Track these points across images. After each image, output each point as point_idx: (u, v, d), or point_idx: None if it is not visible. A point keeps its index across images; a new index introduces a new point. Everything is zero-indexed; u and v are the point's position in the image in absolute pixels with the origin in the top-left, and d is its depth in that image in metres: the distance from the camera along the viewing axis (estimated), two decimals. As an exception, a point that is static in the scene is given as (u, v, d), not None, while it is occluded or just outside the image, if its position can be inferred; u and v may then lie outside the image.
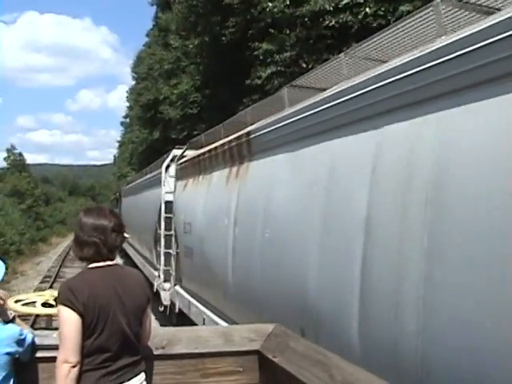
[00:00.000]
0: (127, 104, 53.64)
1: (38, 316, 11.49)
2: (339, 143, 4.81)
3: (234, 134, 8.33)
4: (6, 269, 3.33)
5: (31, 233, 43.87)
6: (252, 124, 7.71)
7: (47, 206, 71.98)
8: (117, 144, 75.63)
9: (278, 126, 6.35)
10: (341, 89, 4.93)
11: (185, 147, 12.57)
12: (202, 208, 9.27)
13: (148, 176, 18.24)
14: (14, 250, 32.41)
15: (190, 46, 23.31)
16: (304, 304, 4.97)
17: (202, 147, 10.68)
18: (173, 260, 12.55)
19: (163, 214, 12.95)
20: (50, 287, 19.79)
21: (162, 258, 13.24)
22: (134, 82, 46.97)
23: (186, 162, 11.79)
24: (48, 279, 22.84)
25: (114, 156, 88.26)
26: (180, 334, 3.49)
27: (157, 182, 14.38)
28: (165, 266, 13.20)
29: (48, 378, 3.09)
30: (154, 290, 13.44)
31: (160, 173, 13.62)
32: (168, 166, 13.18)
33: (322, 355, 2.95)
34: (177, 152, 13.09)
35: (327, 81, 6.07)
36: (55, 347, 2.99)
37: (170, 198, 12.65)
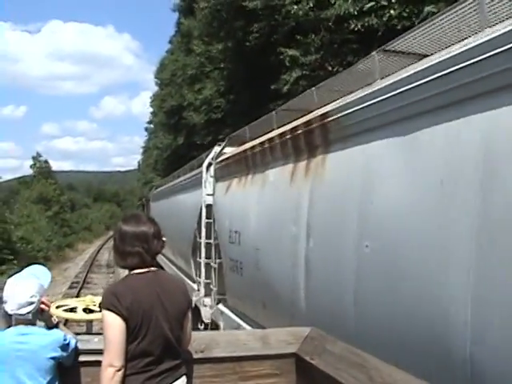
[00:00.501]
0: (151, 110, 53.96)
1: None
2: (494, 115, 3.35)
3: (292, 121, 6.91)
4: None
5: (58, 239, 44.39)
6: (322, 106, 6.24)
7: (73, 212, 72.64)
8: (141, 150, 76.03)
9: (374, 100, 4.68)
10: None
11: (223, 144, 11.28)
12: (255, 214, 7.71)
13: (184, 177, 16.52)
14: (42, 256, 32.81)
15: (214, 51, 23.40)
16: (447, 354, 3.41)
17: (244, 142, 9.42)
18: (214, 273, 11.07)
19: (204, 220, 11.53)
20: (78, 293, 20.02)
21: (203, 269, 11.74)
22: (157, 88, 47.30)
23: (226, 159, 10.26)
24: (76, 285, 23.09)
25: (138, 162, 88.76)
26: (218, 338, 3.56)
27: (196, 184, 12.96)
28: (205, 278, 11.68)
29: (91, 381, 3.18)
30: (193, 305, 12.02)
31: (200, 172, 12.15)
32: (210, 165, 11.71)
33: (360, 357, 2.98)
34: (218, 149, 11.61)
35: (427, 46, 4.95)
36: (97, 352, 3.08)
37: (211, 200, 11.44)
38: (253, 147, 8.30)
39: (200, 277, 11.98)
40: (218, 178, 10.77)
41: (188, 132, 29.32)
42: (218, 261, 10.54)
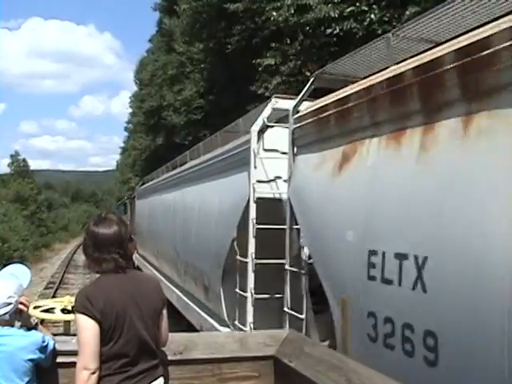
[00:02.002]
0: (130, 110, 53.72)
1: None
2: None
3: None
4: None
5: (34, 239, 43.98)
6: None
7: (50, 212, 72.02)
8: (120, 150, 75.66)
9: None
10: None
11: (303, 92, 6.30)
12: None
13: (203, 159, 11.07)
14: (18, 256, 32.43)
15: (195, 50, 23.39)
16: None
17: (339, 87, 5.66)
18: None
19: (253, 227, 7.14)
20: (54, 293, 19.85)
21: (250, 309, 7.18)
22: (136, 88, 47.10)
23: (321, 114, 5.60)
24: (52, 285, 22.88)
25: (117, 162, 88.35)
26: (197, 340, 3.56)
27: (230, 166, 8.50)
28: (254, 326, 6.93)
29: (68, 383, 3.17)
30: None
31: (245, 145, 7.62)
32: (262, 131, 7.33)
33: (339, 360, 3.00)
34: (280, 104, 7.24)
35: None
36: (75, 353, 3.04)
37: (265, 190, 7.32)
38: (395, 78, 4.36)
39: (245, 321, 7.03)
40: (300, 149, 6.18)
41: (167, 133, 29.25)
42: (310, 307, 6.19)
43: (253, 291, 7.15)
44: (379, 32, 12.88)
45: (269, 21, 16.15)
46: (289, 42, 16.02)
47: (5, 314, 2.98)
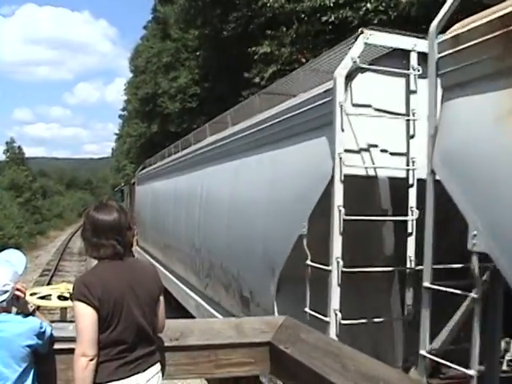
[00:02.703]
0: (125, 97, 53.55)
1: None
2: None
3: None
4: None
5: (29, 226, 43.95)
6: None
7: (45, 199, 71.92)
8: (115, 137, 75.53)
9: None
10: None
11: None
12: None
13: (240, 126, 8.35)
14: (13, 243, 32.36)
15: (190, 37, 23.34)
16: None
17: None
18: None
19: (339, 219, 4.96)
20: (49, 281, 19.86)
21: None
22: (131, 76, 46.97)
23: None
24: (47, 272, 22.86)
25: (113, 149, 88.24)
26: (193, 326, 3.57)
27: (304, 127, 5.85)
28: None
29: (65, 369, 3.16)
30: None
31: (323, 95, 5.42)
32: (350, 77, 5.14)
33: (334, 346, 3.04)
34: (376, 39, 5.20)
35: None
36: (71, 339, 3.06)
37: (356, 164, 5.13)
38: None
39: None
40: (458, 90, 3.79)
41: (162, 120, 29.25)
42: None
43: (339, 314, 4.84)
44: (375, 21, 12.90)
45: (265, 7, 16.12)
46: (284, 29, 16.02)
47: (2, 301, 2.98)
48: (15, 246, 31.58)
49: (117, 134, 70.88)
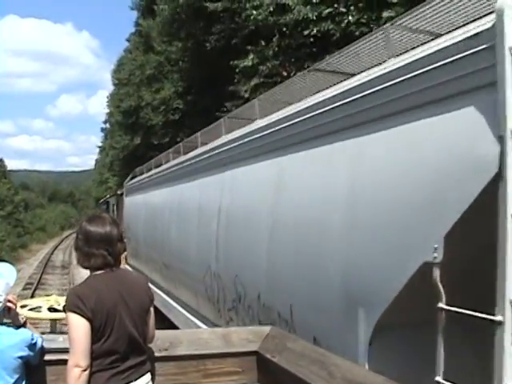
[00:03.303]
0: (107, 110, 53.49)
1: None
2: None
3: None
4: None
5: (11, 239, 43.71)
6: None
7: (27, 212, 71.51)
8: (97, 150, 75.42)
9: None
10: None
11: None
12: None
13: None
14: (-5, 256, 32.24)
15: (173, 49, 23.41)
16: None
17: None
18: None
19: None
20: (32, 294, 19.75)
21: None
22: (114, 88, 46.93)
23: None
24: (30, 286, 22.73)
25: (96, 160, 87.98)
26: (181, 337, 3.65)
27: (437, 92, 3.59)
28: None
29: (56, 380, 3.24)
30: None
31: (471, 40, 3.34)
32: None
33: (320, 354, 3.11)
34: None
35: None
36: (62, 350, 3.15)
37: None
38: None
39: None
40: None
41: (145, 132, 29.24)
42: None
43: None
44: (356, 34, 13.06)
45: (248, 19, 16.26)
46: (266, 43, 16.16)
47: None
48: (-3, 260, 31.39)
49: (99, 147, 70.83)
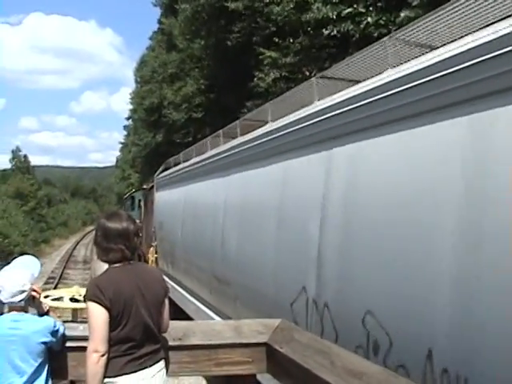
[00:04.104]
0: (130, 107, 53.94)
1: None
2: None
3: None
4: None
5: (34, 234, 44.35)
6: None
7: (49, 207, 72.33)
8: (119, 146, 75.99)
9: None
10: None
11: None
12: None
13: None
14: (18, 251, 32.70)
15: (196, 46, 23.57)
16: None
17: None
18: None
19: None
20: (55, 288, 20.09)
21: None
22: (136, 85, 47.29)
23: None
24: (52, 280, 23.10)
25: (117, 158, 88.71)
26: (195, 327, 3.84)
27: None
28: None
29: (76, 365, 3.46)
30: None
31: None
32: None
33: (324, 345, 3.28)
34: None
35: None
36: (82, 338, 3.38)
37: None
38: None
39: None
40: None
41: (167, 130, 29.47)
42: None
43: None
44: (375, 35, 13.16)
45: (270, 17, 16.39)
46: (290, 40, 16.26)
47: (20, 300, 3.27)
48: (20, 254, 31.89)
49: (122, 143, 71.39)
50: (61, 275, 25.12)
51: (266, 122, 7.14)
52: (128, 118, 58.83)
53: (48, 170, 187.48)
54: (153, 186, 18.60)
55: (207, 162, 10.26)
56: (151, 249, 16.10)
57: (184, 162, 13.14)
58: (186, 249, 11.21)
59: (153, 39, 42.15)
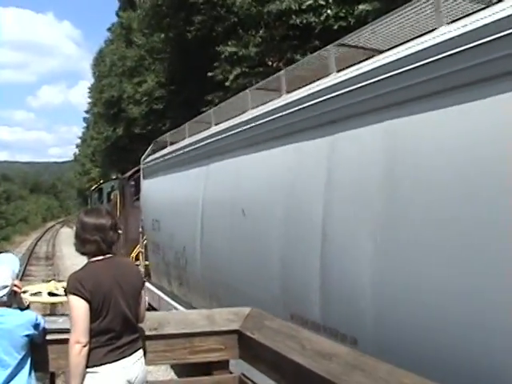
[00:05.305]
0: (89, 100, 53.34)
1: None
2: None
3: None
4: None
5: (-6, 232, 43.65)
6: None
7: (8, 204, 71.18)
8: (79, 141, 75.22)
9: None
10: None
11: None
12: None
13: None
14: (-23, 249, 32.24)
15: (156, 40, 23.46)
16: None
17: None
18: None
19: None
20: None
21: None
22: (94, 79, 46.78)
23: None
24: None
25: (74, 154, 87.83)
26: (169, 317, 4.03)
27: None
28: None
29: (56, 358, 3.63)
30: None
31: None
32: None
33: (294, 330, 3.48)
34: None
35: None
36: (62, 331, 3.54)
37: None
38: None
39: None
40: None
41: (127, 123, 29.24)
42: None
43: None
44: (335, 27, 13.39)
45: (233, 7, 16.40)
46: (250, 32, 16.32)
47: (2, 296, 3.40)
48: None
49: (81, 138, 70.66)
50: (23, 272, 24.83)
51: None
52: (87, 112, 58.26)
53: (6, 165, 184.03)
54: (133, 174, 16.03)
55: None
56: (136, 254, 13.66)
57: (192, 135, 8.94)
58: (217, 263, 6.97)
59: (111, 32, 41.64)
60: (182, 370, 8.07)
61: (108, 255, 3.57)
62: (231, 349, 3.91)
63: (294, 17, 14.55)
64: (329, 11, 13.99)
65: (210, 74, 17.55)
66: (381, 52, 4.30)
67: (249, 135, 6.23)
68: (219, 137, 7.31)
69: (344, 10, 13.80)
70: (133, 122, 27.44)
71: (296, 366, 3.02)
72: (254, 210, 5.84)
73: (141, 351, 3.59)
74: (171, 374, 8.63)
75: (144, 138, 20.93)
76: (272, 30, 15.80)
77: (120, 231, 3.73)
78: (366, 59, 4.28)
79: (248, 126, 6.25)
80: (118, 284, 3.48)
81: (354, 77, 4.21)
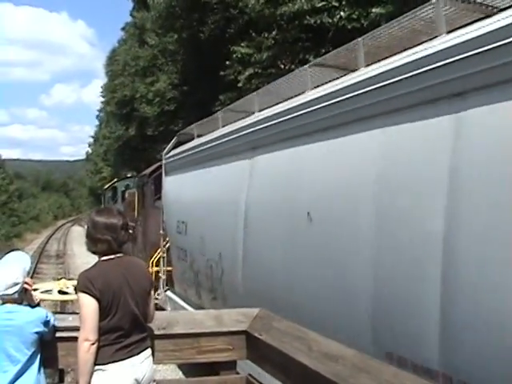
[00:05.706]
0: (102, 99, 53.45)
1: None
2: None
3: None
4: None
5: (6, 229, 43.89)
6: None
7: (21, 202, 71.50)
8: (91, 139, 75.49)
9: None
10: None
11: None
12: None
13: None
14: (-10, 246, 32.43)
15: (169, 41, 23.51)
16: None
17: None
18: None
19: None
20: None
21: None
22: (107, 79, 46.85)
23: None
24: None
25: (86, 153, 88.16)
26: (178, 317, 4.06)
27: None
28: None
29: (65, 355, 3.66)
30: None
31: None
32: None
33: (302, 332, 3.49)
34: None
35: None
36: (71, 328, 3.58)
37: None
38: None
39: None
40: None
41: (140, 123, 29.31)
42: None
43: None
44: (349, 28, 13.39)
45: (244, 9, 16.41)
46: (263, 34, 16.31)
47: (14, 293, 3.45)
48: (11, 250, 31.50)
49: (93, 137, 70.91)
50: (34, 270, 24.95)
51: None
52: (100, 111, 58.44)
53: (19, 163, 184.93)
54: (155, 171, 14.40)
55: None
56: (156, 260, 12.07)
57: (225, 125, 7.80)
58: (268, 275, 5.73)
59: (125, 31, 41.70)
60: (190, 369, 8.12)
61: (118, 254, 3.61)
62: (239, 349, 3.93)
63: (307, 17, 14.54)
64: (342, 13, 13.99)
65: (222, 73, 17.58)
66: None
67: (313, 119, 5.05)
68: (267, 123, 6.08)
69: (357, 13, 13.80)
70: (145, 121, 27.50)
71: (303, 367, 3.04)
72: (325, 213, 4.65)
73: (149, 350, 3.63)
74: (179, 374, 8.69)
75: (156, 138, 20.95)
76: (285, 33, 15.79)
77: (131, 231, 3.76)
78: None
79: (312, 109, 5.06)
80: (128, 283, 3.52)
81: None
